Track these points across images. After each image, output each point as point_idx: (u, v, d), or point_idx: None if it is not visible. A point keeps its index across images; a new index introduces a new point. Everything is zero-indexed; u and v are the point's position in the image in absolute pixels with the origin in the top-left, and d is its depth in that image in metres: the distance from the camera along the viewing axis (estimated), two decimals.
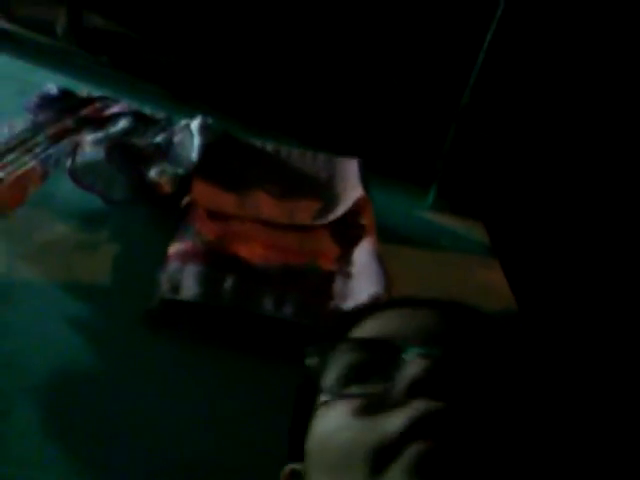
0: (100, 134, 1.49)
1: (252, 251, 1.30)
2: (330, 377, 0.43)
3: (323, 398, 0.43)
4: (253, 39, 1.78)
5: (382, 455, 0.37)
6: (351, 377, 0.42)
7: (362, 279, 1.24)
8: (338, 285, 1.25)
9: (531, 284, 1.39)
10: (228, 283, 1.20)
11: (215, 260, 1.24)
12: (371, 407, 0.39)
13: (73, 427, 0.97)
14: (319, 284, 1.25)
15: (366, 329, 0.46)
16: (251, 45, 1.78)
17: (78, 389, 1.02)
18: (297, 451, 0.46)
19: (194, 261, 1.22)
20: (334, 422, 0.40)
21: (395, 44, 1.68)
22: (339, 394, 0.42)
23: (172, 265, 1.20)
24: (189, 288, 1.16)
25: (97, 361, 1.07)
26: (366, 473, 0.37)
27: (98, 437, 0.96)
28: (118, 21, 1.90)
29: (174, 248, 1.25)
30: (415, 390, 0.38)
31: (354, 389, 0.41)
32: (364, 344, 0.43)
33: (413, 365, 0.38)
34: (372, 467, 0.37)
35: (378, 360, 0.41)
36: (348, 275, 1.27)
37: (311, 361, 0.46)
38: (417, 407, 0.37)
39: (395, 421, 0.37)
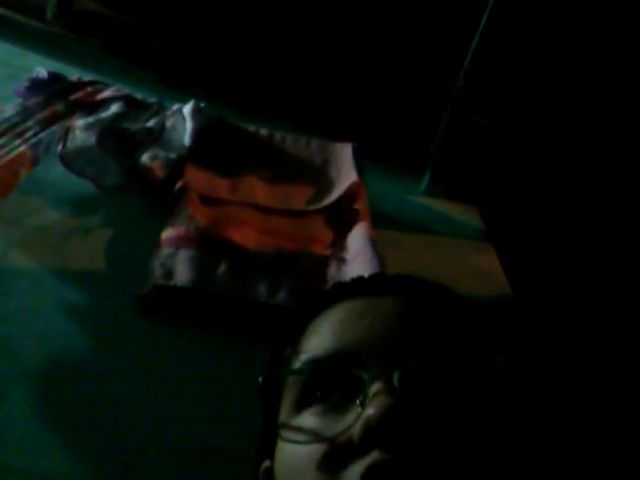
0: (91, 119, 1.48)
1: (246, 236, 1.29)
2: (287, 407, 0.42)
3: (282, 430, 0.42)
4: (247, 24, 1.76)
5: None
6: (307, 401, 0.41)
7: (356, 264, 1.24)
8: (332, 270, 1.24)
9: (525, 268, 1.39)
10: (221, 268, 1.19)
11: (208, 245, 1.24)
12: (330, 455, 0.38)
13: (67, 411, 0.97)
14: (313, 269, 1.24)
15: (321, 334, 0.43)
16: (245, 30, 1.77)
17: (71, 374, 1.02)
18: (267, 448, 0.45)
19: (187, 246, 1.21)
20: (296, 466, 0.40)
21: (389, 30, 1.67)
22: (295, 432, 0.40)
23: (165, 250, 1.20)
24: (182, 274, 1.15)
25: (90, 346, 1.07)
26: None
27: (92, 421, 0.95)
28: (109, 4, 1.88)
29: (167, 233, 1.24)
30: (372, 436, 0.36)
31: (311, 421, 0.40)
32: (319, 362, 0.41)
33: (371, 404, 0.37)
34: None
35: (336, 380, 0.40)
36: (342, 260, 1.27)
37: (265, 391, 0.45)
38: (374, 458, 0.36)
39: (353, 475, 0.36)
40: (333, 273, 1.24)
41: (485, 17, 1.47)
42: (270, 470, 0.44)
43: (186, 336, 1.10)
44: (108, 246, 1.25)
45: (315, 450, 0.39)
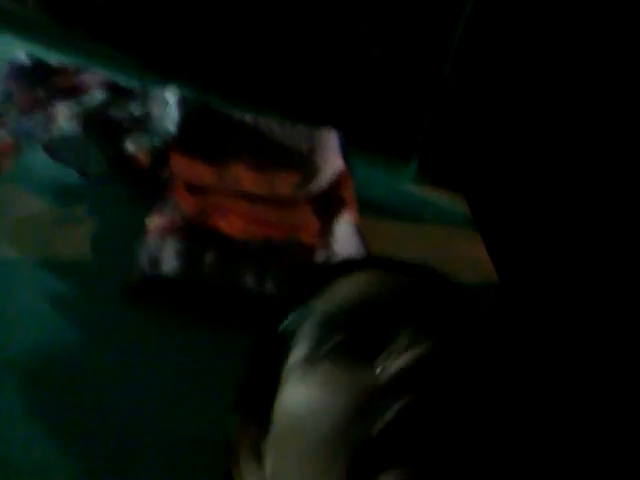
0: (74, 106, 1.46)
1: (232, 225, 1.28)
2: (307, 344, 0.40)
3: (296, 366, 0.40)
4: (232, 9, 1.74)
5: (367, 455, 0.34)
6: (331, 350, 0.39)
7: (342, 252, 1.24)
8: (319, 258, 1.25)
9: (511, 255, 1.40)
10: (208, 258, 1.19)
11: (195, 235, 1.23)
12: (357, 393, 0.37)
13: (54, 402, 0.96)
14: (300, 258, 1.24)
15: (343, 293, 0.42)
16: (230, 15, 1.75)
17: (58, 364, 1.01)
18: (245, 404, 0.44)
19: (174, 236, 1.21)
20: (313, 401, 0.38)
21: (376, 17, 1.66)
22: (319, 364, 0.39)
23: (151, 240, 1.19)
24: (169, 263, 1.15)
25: (76, 336, 1.06)
26: (347, 469, 0.35)
27: (80, 412, 0.96)
28: None
29: (153, 223, 1.23)
30: (403, 382, 0.36)
31: (336, 365, 0.38)
32: (348, 316, 0.40)
33: (402, 356, 0.37)
34: (355, 465, 0.34)
35: (363, 337, 0.39)
36: (329, 248, 1.27)
37: (288, 324, 0.43)
38: (405, 401, 0.35)
39: (381, 417, 0.35)
40: (320, 261, 1.24)
41: (471, 3, 1.47)
42: (259, 434, 0.42)
43: (173, 326, 1.10)
44: (93, 235, 1.24)
45: (339, 384, 0.38)
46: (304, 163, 1.50)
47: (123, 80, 1.62)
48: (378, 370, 0.38)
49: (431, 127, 1.58)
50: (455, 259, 1.30)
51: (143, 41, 1.79)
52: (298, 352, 0.41)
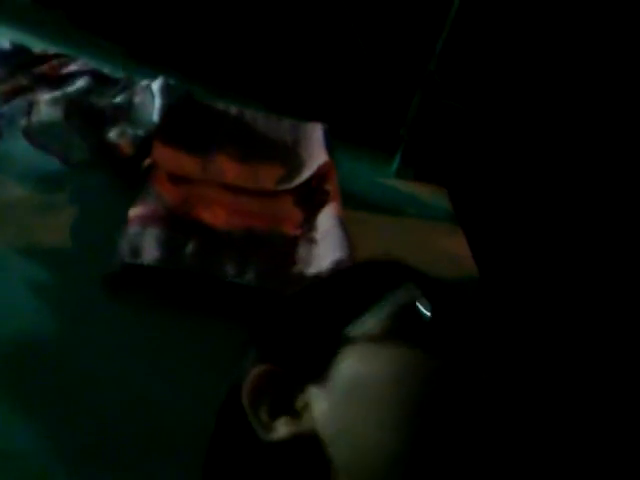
0: (57, 93, 1.44)
1: (215, 216, 1.28)
2: (377, 321, 0.43)
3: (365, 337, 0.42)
4: (217, 0, 1.74)
5: None
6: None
7: (325, 245, 1.24)
8: (302, 250, 1.25)
9: (493, 252, 1.41)
10: (190, 247, 1.18)
11: (177, 224, 1.23)
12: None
13: (33, 390, 0.96)
14: (282, 249, 1.24)
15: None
16: (215, 6, 1.74)
17: (37, 352, 1.00)
18: (273, 353, 0.45)
19: (155, 225, 1.20)
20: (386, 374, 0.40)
21: (363, 10, 1.66)
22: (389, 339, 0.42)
23: (132, 229, 1.19)
24: (150, 252, 1.14)
25: (56, 325, 1.06)
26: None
27: (59, 400, 0.95)
28: None
29: (135, 211, 1.22)
30: None
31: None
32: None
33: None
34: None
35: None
36: (312, 241, 1.27)
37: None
38: None
39: None
40: (302, 253, 1.24)
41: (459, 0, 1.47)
42: (273, 374, 0.43)
43: (154, 314, 1.09)
44: (74, 223, 1.23)
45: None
46: (289, 156, 1.49)
47: (107, 68, 1.61)
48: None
49: (415, 122, 1.59)
50: (436, 254, 1.31)
51: (128, 30, 1.77)
52: (368, 325, 0.43)
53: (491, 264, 1.34)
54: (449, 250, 1.37)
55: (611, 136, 1.54)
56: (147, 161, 1.34)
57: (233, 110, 1.58)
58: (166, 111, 1.47)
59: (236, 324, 1.06)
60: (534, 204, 1.54)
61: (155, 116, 1.46)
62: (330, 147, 1.49)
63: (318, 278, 0.51)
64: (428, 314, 0.41)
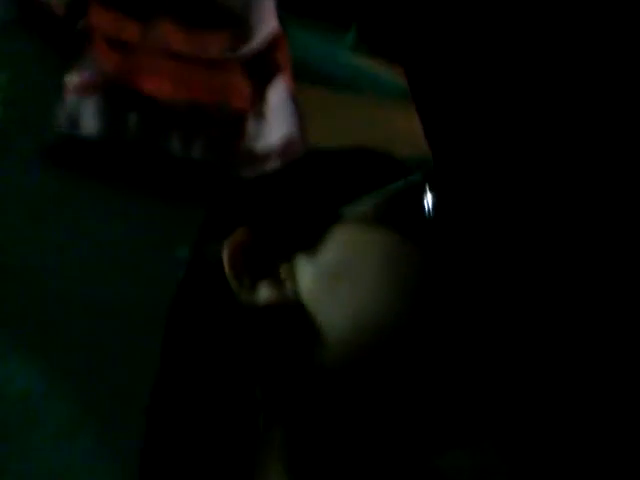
0: None
1: (158, 86, 1.21)
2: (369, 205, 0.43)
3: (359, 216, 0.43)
4: None
5: None
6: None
7: (275, 120, 1.21)
8: (250, 125, 1.21)
9: (446, 132, 1.39)
10: (131, 119, 1.13)
11: (117, 94, 1.16)
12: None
13: None
14: (230, 123, 1.20)
15: None
16: None
17: None
18: (253, 221, 0.45)
19: (94, 94, 1.14)
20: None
21: None
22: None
23: (69, 98, 1.12)
24: (88, 123, 1.09)
25: None
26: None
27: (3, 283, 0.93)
28: None
29: (71, 79, 1.15)
30: None
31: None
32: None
33: None
34: None
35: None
36: (261, 115, 1.23)
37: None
38: None
39: None
40: (251, 128, 1.20)
41: None
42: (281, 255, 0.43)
43: (93, 190, 1.06)
44: (4, 91, 1.15)
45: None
46: (237, 22, 1.41)
47: None
48: None
49: None
50: (389, 131, 1.29)
51: None
52: (363, 207, 0.44)
53: (444, 145, 1.32)
54: (402, 129, 1.35)
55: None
56: (82, 23, 1.24)
57: None
58: None
59: (182, 201, 1.05)
60: (490, 87, 1.50)
61: None
62: (281, 16, 1.41)
63: (315, 153, 0.49)
64: (430, 209, 0.40)
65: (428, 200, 0.40)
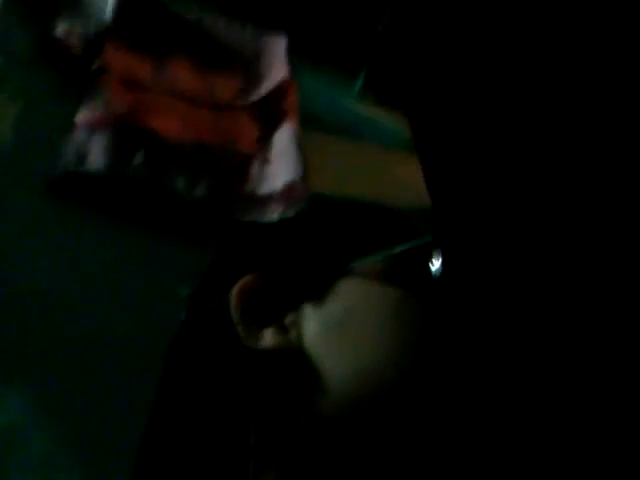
0: None
1: (166, 125, 1.24)
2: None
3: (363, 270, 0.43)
4: None
5: None
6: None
7: (279, 165, 1.22)
8: (255, 169, 1.22)
9: (448, 183, 1.41)
10: (138, 157, 1.15)
11: (126, 131, 1.18)
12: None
13: None
14: (235, 166, 1.22)
15: None
16: None
17: None
18: (263, 268, 0.45)
19: (103, 131, 1.16)
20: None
21: None
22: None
23: (79, 134, 1.14)
24: (96, 159, 1.10)
25: None
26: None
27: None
28: None
29: (82, 116, 1.17)
30: None
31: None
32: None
33: None
34: None
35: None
36: (266, 159, 1.24)
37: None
38: None
39: None
40: (255, 171, 1.22)
41: None
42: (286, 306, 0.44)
43: (97, 225, 1.07)
44: (17, 127, 1.16)
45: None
46: (248, 68, 1.44)
47: None
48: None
49: (382, 43, 1.54)
50: (391, 181, 1.30)
51: None
52: (373, 262, 0.45)
53: (445, 196, 1.34)
54: (404, 178, 1.36)
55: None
56: (97, 62, 1.27)
57: (192, 13, 1.50)
58: (120, 8, 1.38)
59: (183, 240, 1.05)
60: (493, 136, 1.53)
61: (108, 13, 1.37)
62: (291, 63, 1.44)
63: (324, 203, 0.52)
64: (438, 269, 0.41)
65: (435, 261, 0.41)
